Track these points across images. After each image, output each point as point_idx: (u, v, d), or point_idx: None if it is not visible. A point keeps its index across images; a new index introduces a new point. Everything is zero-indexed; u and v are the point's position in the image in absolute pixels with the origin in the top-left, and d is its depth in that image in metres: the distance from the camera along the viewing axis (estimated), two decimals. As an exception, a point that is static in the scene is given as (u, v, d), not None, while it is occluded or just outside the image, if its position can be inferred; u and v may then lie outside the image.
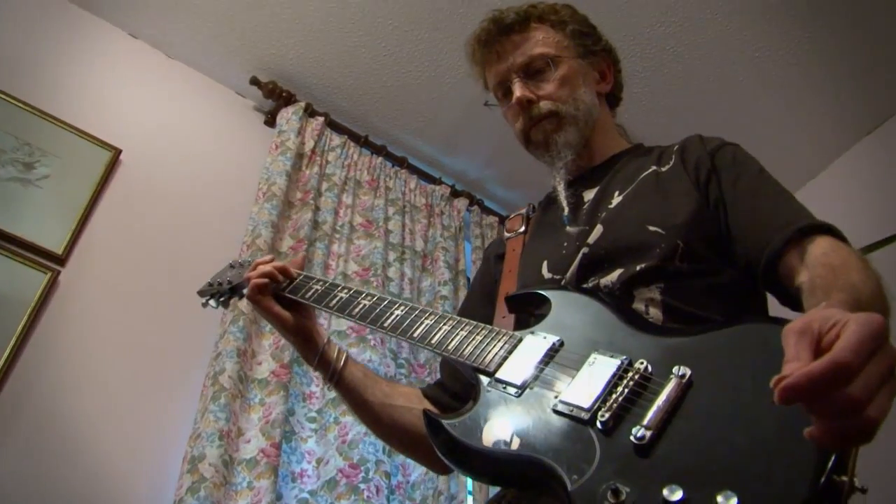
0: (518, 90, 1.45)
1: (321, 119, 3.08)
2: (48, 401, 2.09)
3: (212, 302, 1.63)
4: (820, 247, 1.06)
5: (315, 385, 2.46)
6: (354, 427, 2.31)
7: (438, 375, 1.56)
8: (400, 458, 2.40)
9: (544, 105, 1.45)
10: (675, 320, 1.15)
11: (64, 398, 2.12)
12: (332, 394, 2.37)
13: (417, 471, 2.46)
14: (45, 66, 2.61)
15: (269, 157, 2.84)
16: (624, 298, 1.19)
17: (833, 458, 0.75)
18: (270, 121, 3.09)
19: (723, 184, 1.28)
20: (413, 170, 3.31)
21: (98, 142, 2.54)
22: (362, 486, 2.21)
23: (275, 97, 3.04)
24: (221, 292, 1.61)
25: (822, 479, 0.74)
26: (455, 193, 3.41)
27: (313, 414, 2.39)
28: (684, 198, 1.28)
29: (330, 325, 2.55)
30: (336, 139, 3.12)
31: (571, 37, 1.52)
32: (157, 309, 2.40)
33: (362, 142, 3.19)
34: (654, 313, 1.17)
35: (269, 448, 2.15)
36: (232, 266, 1.67)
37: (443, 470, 1.56)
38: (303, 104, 3.04)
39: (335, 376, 1.42)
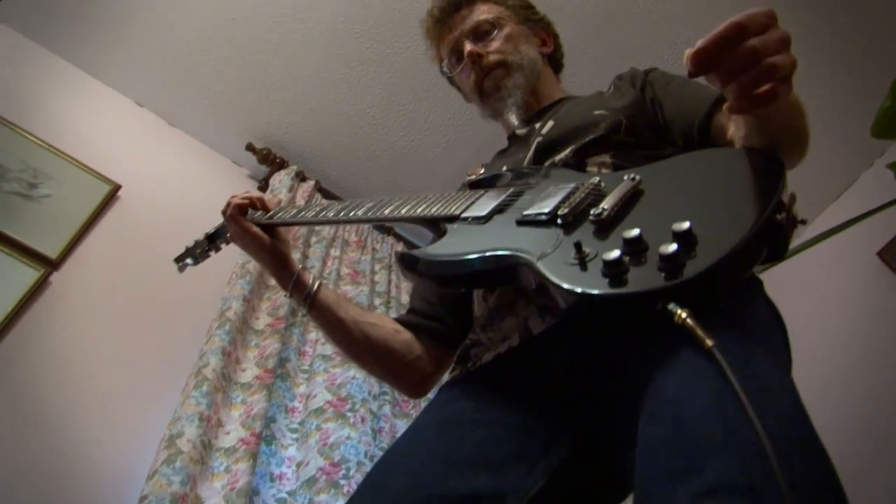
0: (468, 47, 1.63)
1: (311, 183, 3.25)
2: (30, 382, 2.14)
3: (189, 260, 1.66)
4: None
5: (298, 401, 2.44)
6: (336, 431, 2.27)
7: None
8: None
9: (493, 57, 1.61)
10: None
11: (45, 381, 2.17)
12: (315, 405, 2.35)
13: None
14: (57, 111, 2.81)
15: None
16: (578, 166, 1.30)
17: (773, 200, 0.85)
18: (263, 187, 3.24)
19: (656, 88, 1.44)
20: (400, 238, 3.42)
21: (99, 176, 2.69)
22: (343, 482, 2.14)
23: (268, 163, 3.23)
24: (198, 246, 1.65)
25: (766, 213, 0.84)
26: (441, 262, 3.49)
27: (295, 425, 2.36)
28: (625, 93, 1.45)
29: (315, 349, 2.57)
30: (325, 203, 3.25)
31: (512, 9, 1.72)
32: (142, 317, 2.46)
33: (350, 207, 3.33)
34: (607, 173, 1.26)
35: (249, 437, 2.11)
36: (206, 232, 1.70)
37: (416, 391, 1.55)
38: (294, 169, 3.22)
39: (309, 297, 1.45)
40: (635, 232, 0.84)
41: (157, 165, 3.00)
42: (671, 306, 0.77)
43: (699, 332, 0.75)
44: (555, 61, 1.80)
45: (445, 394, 1.24)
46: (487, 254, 1.01)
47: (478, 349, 1.24)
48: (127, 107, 3.10)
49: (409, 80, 3.05)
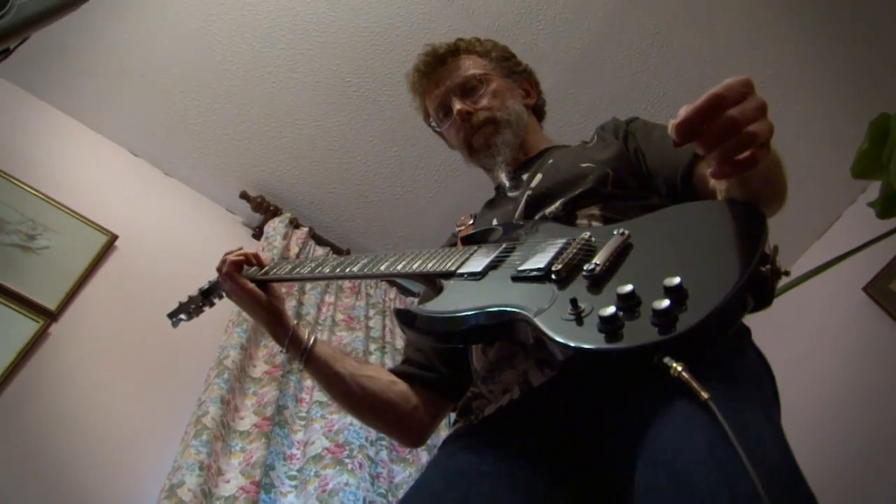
0: (458, 105, 1.66)
1: (305, 230, 3.29)
2: (30, 433, 2.16)
3: (182, 316, 1.67)
4: None
5: (296, 448, 2.45)
6: (335, 478, 2.28)
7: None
8: (381, 508, 2.34)
9: (482, 114, 1.65)
10: None
11: (45, 432, 2.19)
12: (313, 452, 2.36)
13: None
14: (54, 162, 2.85)
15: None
16: (568, 219, 1.34)
17: (758, 253, 0.90)
18: (258, 234, 3.29)
19: (638, 138, 1.49)
20: (393, 283, 3.46)
21: (96, 226, 2.72)
22: (343, 529, 2.15)
23: (262, 210, 3.27)
24: (192, 301, 1.66)
25: (751, 265, 0.89)
26: (433, 308, 3.53)
27: (294, 472, 2.37)
28: (609, 145, 1.50)
29: (312, 396, 2.59)
30: (319, 250, 3.31)
31: (496, 61, 1.76)
32: (141, 366, 2.48)
33: (344, 255, 3.37)
34: (596, 225, 1.30)
35: (249, 485, 2.12)
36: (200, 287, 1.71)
37: (413, 441, 1.57)
38: (288, 216, 3.26)
39: (305, 353, 1.46)
40: (629, 288, 0.88)
41: (153, 214, 3.04)
42: (666, 360, 0.81)
43: (694, 385, 0.79)
44: (538, 110, 1.84)
45: (450, 447, 1.27)
46: (487, 310, 1.05)
47: (480, 402, 1.27)
48: (122, 157, 3.15)
49: (400, 127, 3.11)
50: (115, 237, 2.74)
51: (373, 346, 3.01)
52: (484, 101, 1.66)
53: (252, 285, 1.51)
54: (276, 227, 3.17)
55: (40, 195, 2.64)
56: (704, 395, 0.79)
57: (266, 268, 1.56)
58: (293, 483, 2.33)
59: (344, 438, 2.42)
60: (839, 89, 3.04)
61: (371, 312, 3.18)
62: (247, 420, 2.37)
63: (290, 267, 1.54)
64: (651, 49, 2.93)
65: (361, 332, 2.99)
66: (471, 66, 1.71)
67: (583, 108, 3.05)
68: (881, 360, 2.90)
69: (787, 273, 0.95)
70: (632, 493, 0.88)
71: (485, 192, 1.74)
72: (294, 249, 3.16)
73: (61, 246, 2.58)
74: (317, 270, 1.49)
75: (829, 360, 3.07)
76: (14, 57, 2.66)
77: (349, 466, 2.33)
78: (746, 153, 0.84)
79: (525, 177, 1.56)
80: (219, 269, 1.55)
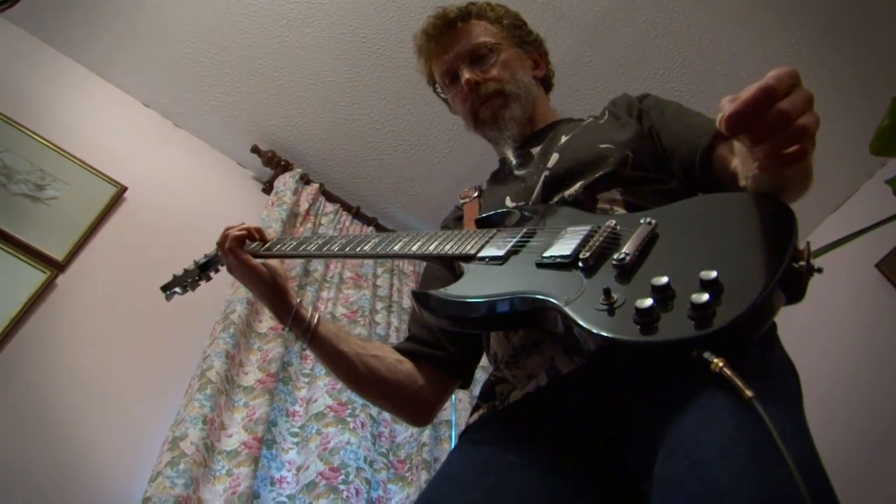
0: (466, 74, 1.60)
1: (316, 186, 3.28)
2: (35, 382, 2.17)
3: (177, 289, 1.64)
4: None
5: (299, 405, 2.47)
6: (336, 436, 2.29)
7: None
8: (382, 474, 2.36)
9: (490, 85, 1.59)
10: None
11: (50, 382, 2.20)
12: (315, 409, 2.38)
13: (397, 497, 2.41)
14: (64, 111, 2.84)
15: (265, 211, 3.00)
16: (588, 203, 1.30)
17: (790, 249, 0.88)
18: (268, 189, 3.28)
19: (653, 116, 1.45)
20: (401, 242, 3.44)
21: (106, 177, 2.72)
22: (342, 487, 2.16)
23: (273, 165, 3.26)
24: (188, 275, 1.63)
25: (785, 261, 0.86)
26: (442, 267, 3.53)
27: (296, 429, 2.39)
28: (625, 125, 1.45)
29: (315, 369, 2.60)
30: (329, 207, 3.30)
31: (507, 29, 1.70)
32: (146, 318, 2.47)
33: (354, 212, 3.38)
34: (618, 210, 1.27)
35: (251, 441, 2.14)
36: (196, 261, 1.67)
37: (420, 420, 1.55)
38: (299, 171, 3.25)
39: (309, 332, 1.42)
40: (664, 280, 0.86)
41: (163, 167, 3.03)
42: (706, 355, 0.80)
43: (738, 381, 0.78)
44: (546, 82, 1.79)
45: (475, 435, 1.25)
46: (517, 296, 1.02)
47: (503, 386, 1.25)
48: (133, 107, 3.13)
49: (414, 86, 3.05)
50: (124, 189, 2.74)
51: (379, 305, 3.01)
52: (493, 72, 1.61)
53: (255, 261, 1.46)
54: (286, 182, 3.16)
55: (50, 144, 2.63)
56: (749, 392, 0.77)
57: (269, 243, 1.52)
58: (295, 440, 2.35)
59: (347, 397, 2.43)
60: (864, 60, 2.97)
61: (379, 271, 3.18)
62: (251, 375, 2.38)
63: (295, 243, 1.50)
64: (672, 14, 2.86)
65: (369, 291, 2.99)
66: (481, 34, 1.65)
67: (600, 73, 3.00)
68: (892, 337, 2.88)
69: (819, 270, 0.92)
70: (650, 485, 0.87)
71: (496, 156, 1.71)
72: (304, 205, 3.16)
73: (70, 196, 2.58)
74: (324, 248, 1.44)
75: (839, 335, 3.05)
76: (27, 4, 2.66)
77: (351, 425, 2.35)
78: (795, 147, 0.82)
79: (535, 151, 1.53)
80: (220, 245, 1.51)
